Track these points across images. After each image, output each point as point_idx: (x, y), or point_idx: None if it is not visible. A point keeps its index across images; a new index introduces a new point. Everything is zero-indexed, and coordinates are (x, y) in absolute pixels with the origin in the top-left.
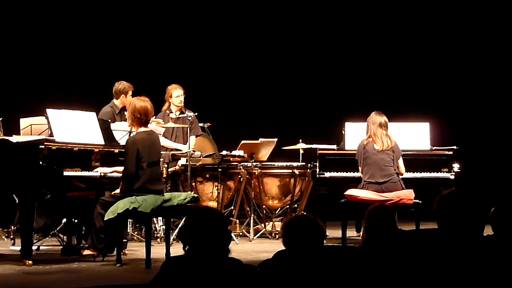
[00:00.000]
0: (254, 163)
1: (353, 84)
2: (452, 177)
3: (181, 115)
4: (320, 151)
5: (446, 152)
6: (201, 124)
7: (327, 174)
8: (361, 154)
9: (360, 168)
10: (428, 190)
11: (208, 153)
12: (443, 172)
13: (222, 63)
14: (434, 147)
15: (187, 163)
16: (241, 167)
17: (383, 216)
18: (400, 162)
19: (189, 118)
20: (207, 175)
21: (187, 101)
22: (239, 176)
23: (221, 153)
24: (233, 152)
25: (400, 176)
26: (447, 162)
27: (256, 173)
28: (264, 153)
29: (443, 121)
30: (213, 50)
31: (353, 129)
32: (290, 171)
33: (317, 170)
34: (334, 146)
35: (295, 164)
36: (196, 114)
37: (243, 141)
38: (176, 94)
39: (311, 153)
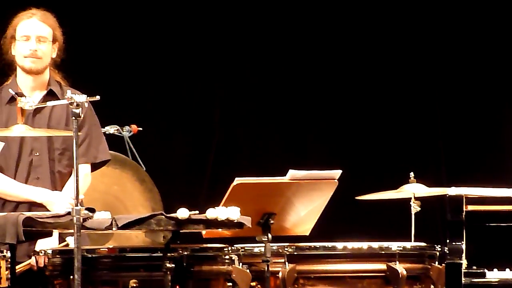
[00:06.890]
0: (276, 247)
1: None
2: None
3: (50, 102)
4: (469, 207)
5: None
6: (111, 130)
7: (493, 275)
8: None
9: None
10: None
11: (137, 214)
12: None
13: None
14: None
15: (68, 246)
16: (234, 259)
17: None
18: None
19: (76, 111)
20: (133, 284)
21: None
22: (229, 284)
23: (175, 215)
24: (210, 213)
25: None
26: None
27: (282, 275)
28: (304, 215)
29: None
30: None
31: None
32: (383, 267)
33: (463, 261)
34: None
35: (398, 246)
36: (98, 98)
37: (237, 180)
38: (24, 32)
39: (449, 211)
